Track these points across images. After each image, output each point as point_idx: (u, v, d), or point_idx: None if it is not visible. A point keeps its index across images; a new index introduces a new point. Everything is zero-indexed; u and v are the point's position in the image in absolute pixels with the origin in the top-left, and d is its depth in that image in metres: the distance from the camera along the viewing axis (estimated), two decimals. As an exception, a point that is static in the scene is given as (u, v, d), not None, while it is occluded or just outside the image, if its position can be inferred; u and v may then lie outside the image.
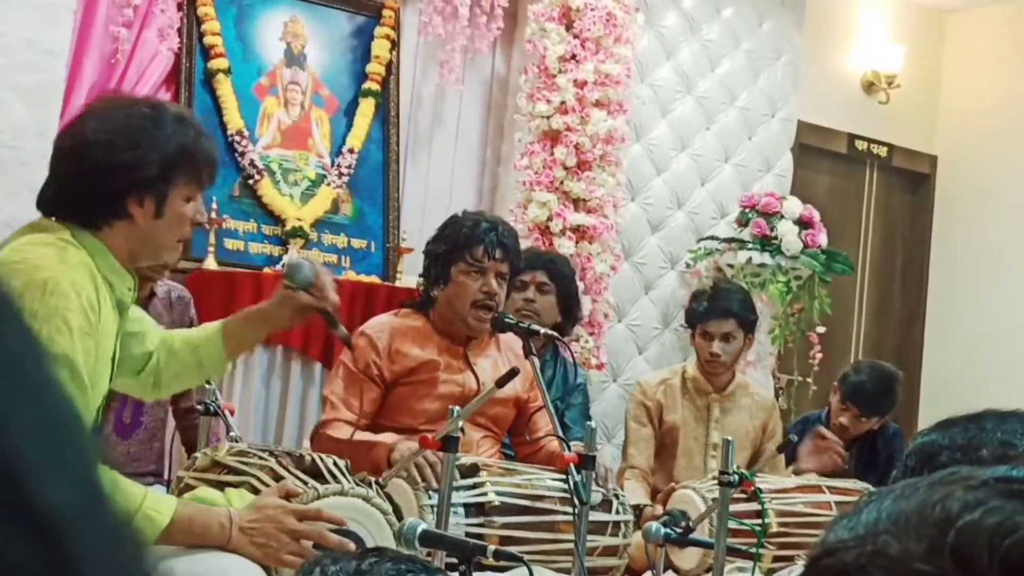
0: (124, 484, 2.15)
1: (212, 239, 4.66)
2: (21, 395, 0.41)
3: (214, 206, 4.67)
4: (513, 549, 2.46)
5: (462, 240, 3.37)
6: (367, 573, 1.19)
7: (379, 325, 3.45)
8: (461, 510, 2.92)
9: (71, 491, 0.40)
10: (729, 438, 2.91)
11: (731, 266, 5.85)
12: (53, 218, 2.18)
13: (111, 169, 2.14)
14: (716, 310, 4.19)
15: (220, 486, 2.47)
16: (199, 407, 3.25)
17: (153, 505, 2.12)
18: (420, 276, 3.53)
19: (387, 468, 2.91)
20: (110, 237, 2.18)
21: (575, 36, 5.40)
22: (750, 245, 5.82)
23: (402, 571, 1.20)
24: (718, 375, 4.26)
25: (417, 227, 5.21)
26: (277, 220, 5.01)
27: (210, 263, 4.58)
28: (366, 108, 5.29)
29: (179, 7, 4.87)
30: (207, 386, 3.23)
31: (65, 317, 2.03)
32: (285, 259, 4.74)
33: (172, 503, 2.12)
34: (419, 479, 2.88)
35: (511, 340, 3.43)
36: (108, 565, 0.41)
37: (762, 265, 5.79)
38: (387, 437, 3.13)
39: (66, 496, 0.40)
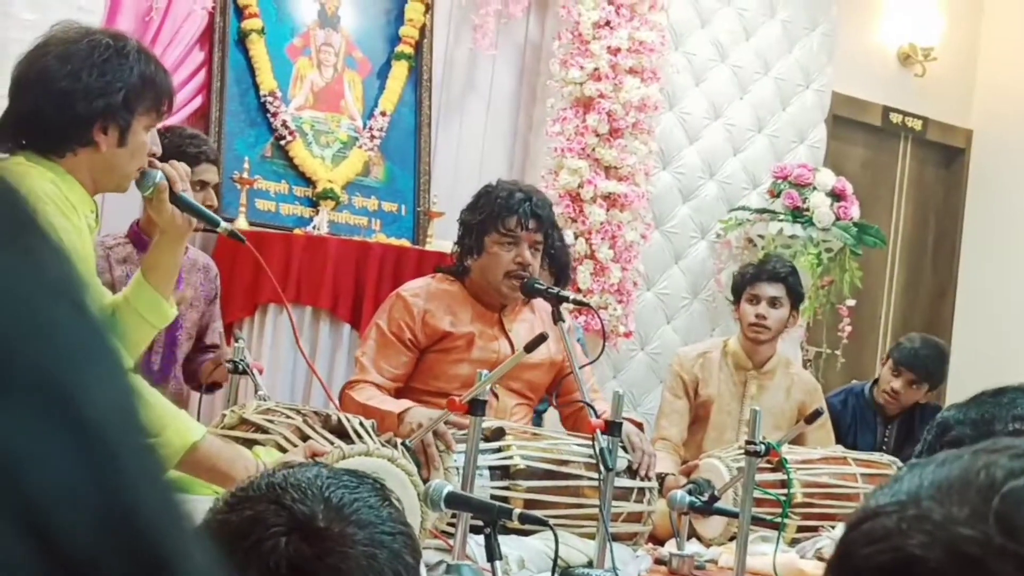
0: (159, 401, 2.17)
1: (243, 199, 4.66)
2: (61, 306, 0.41)
3: (246, 166, 4.67)
4: (538, 513, 2.47)
5: (496, 210, 3.35)
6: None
7: (415, 289, 3.44)
8: (486, 473, 2.93)
9: (112, 402, 0.40)
10: (756, 408, 2.91)
11: (762, 237, 5.81)
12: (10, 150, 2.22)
13: (78, 96, 2.19)
14: (766, 272, 4.20)
15: (248, 443, 2.50)
16: (229, 365, 3.27)
17: (185, 423, 2.14)
18: (455, 244, 3.53)
19: (397, 434, 2.91)
20: (73, 165, 2.22)
21: (609, 2, 5.36)
22: (781, 216, 5.78)
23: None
24: (761, 343, 4.18)
25: (448, 191, 5.20)
26: (308, 182, 5.01)
27: (241, 223, 4.58)
28: (399, 71, 5.27)
29: (214, -34, 4.86)
30: (237, 343, 3.25)
31: (48, 222, 2.06)
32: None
33: (202, 429, 2.15)
34: (434, 454, 2.87)
35: (545, 303, 3.42)
36: (145, 475, 0.41)
37: (793, 236, 5.76)
38: (397, 404, 3.12)
39: (107, 407, 0.40)
